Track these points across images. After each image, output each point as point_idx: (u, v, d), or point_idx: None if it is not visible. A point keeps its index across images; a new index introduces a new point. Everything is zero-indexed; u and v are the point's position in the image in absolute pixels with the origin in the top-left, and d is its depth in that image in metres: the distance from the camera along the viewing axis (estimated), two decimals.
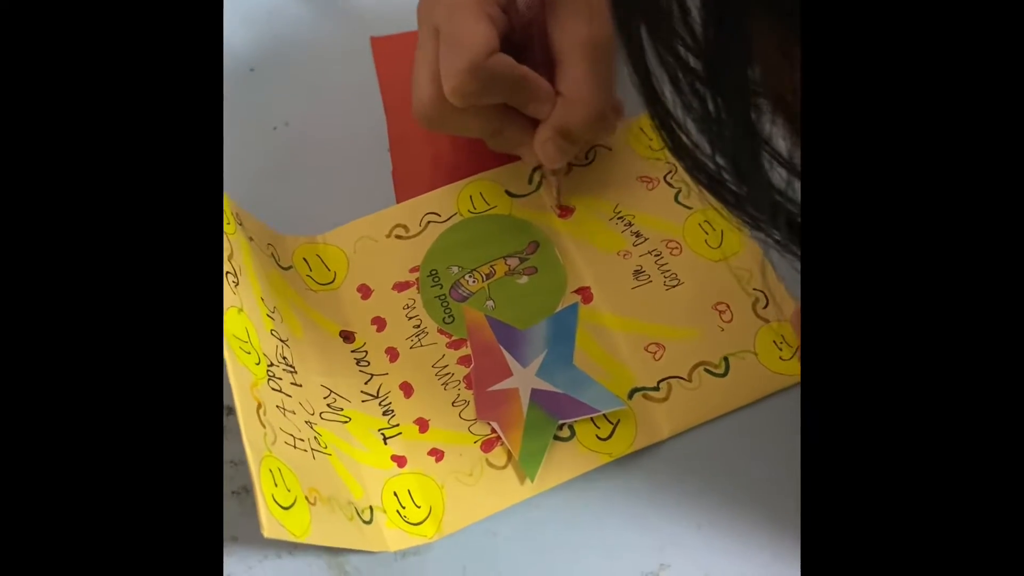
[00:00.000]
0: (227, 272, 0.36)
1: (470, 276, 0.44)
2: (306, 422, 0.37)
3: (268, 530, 0.30)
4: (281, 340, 0.39)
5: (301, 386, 0.38)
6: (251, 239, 0.40)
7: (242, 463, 0.41)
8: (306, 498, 0.33)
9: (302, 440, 0.35)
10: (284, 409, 0.36)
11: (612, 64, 0.41)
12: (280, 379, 0.37)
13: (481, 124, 0.42)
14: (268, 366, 0.36)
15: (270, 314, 0.39)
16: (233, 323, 0.35)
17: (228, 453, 0.41)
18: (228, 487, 0.40)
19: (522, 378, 0.41)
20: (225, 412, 0.41)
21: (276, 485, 0.32)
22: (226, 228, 0.37)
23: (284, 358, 0.38)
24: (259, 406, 0.34)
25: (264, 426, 0.34)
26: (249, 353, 0.35)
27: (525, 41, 0.42)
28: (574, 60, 0.41)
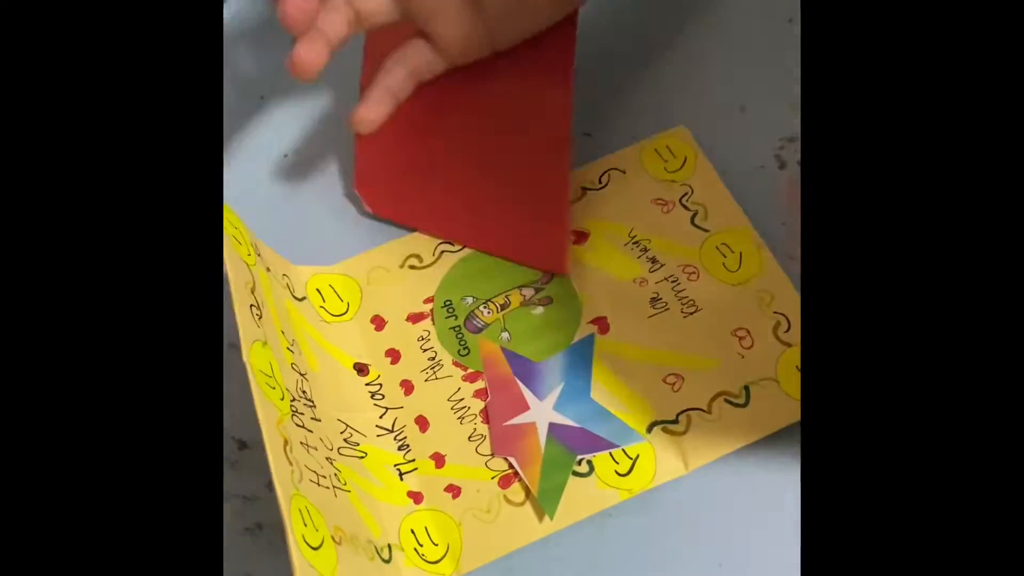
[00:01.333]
0: (251, 305, 0.35)
1: (485, 307, 0.44)
2: (327, 458, 0.36)
3: (300, 572, 0.30)
4: (301, 374, 0.38)
5: (320, 421, 0.38)
6: (268, 270, 0.40)
7: (255, 499, 0.40)
8: (332, 537, 0.32)
9: (324, 477, 0.35)
10: (307, 445, 0.35)
11: None
12: (302, 414, 0.36)
13: None
14: (291, 401, 0.36)
15: (290, 347, 0.38)
16: (258, 357, 0.34)
17: (242, 488, 0.40)
18: (241, 524, 0.39)
19: (539, 412, 0.41)
20: (238, 446, 0.41)
21: (305, 525, 0.31)
22: (247, 259, 0.37)
23: (304, 392, 0.37)
24: (285, 443, 0.33)
25: (291, 464, 0.33)
26: (274, 388, 0.34)
27: None
28: None
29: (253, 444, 0.41)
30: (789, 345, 0.41)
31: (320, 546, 0.31)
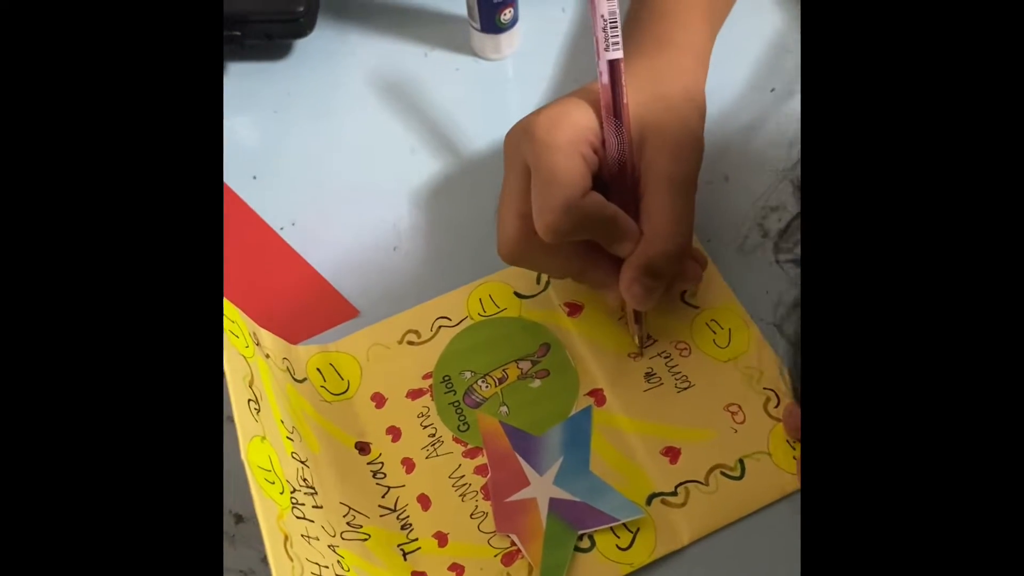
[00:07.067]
0: (249, 400, 0.36)
1: (483, 381, 0.44)
2: (329, 546, 0.37)
3: None
4: (301, 462, 0.38)
5: (322, 507, 0.38)
6: (267, 356, 0.40)
7: (251, 572, 0.40)
8: None
9: (327, 567, 0.35)
10: (308, 537, 0.35)
11: (693, 202, 0.41)
12: (303, 505, 0.37)
13: (564, 263, 0.42)
14: (291, 493, 0.36)
15: (289, 435, 0.38)
16: (257, 453, 0.35)
17: (239, 563, 0.40)
18: None
19: (540, 487, 0.41)
20: (235, 520, 0.41)
21: None
22: (244, 352, 0.37)
23: (305, 480, 0.38)
24: (286, 539, 0.34)
25: (292, 559, 0.33)
26: (273, 483, 0.35)
27: (612, 179, 0.41)
28: (656, 195, 0.40)
29: (249, 518, 0.41)
30: (778, 420, 0.42)
31: None
